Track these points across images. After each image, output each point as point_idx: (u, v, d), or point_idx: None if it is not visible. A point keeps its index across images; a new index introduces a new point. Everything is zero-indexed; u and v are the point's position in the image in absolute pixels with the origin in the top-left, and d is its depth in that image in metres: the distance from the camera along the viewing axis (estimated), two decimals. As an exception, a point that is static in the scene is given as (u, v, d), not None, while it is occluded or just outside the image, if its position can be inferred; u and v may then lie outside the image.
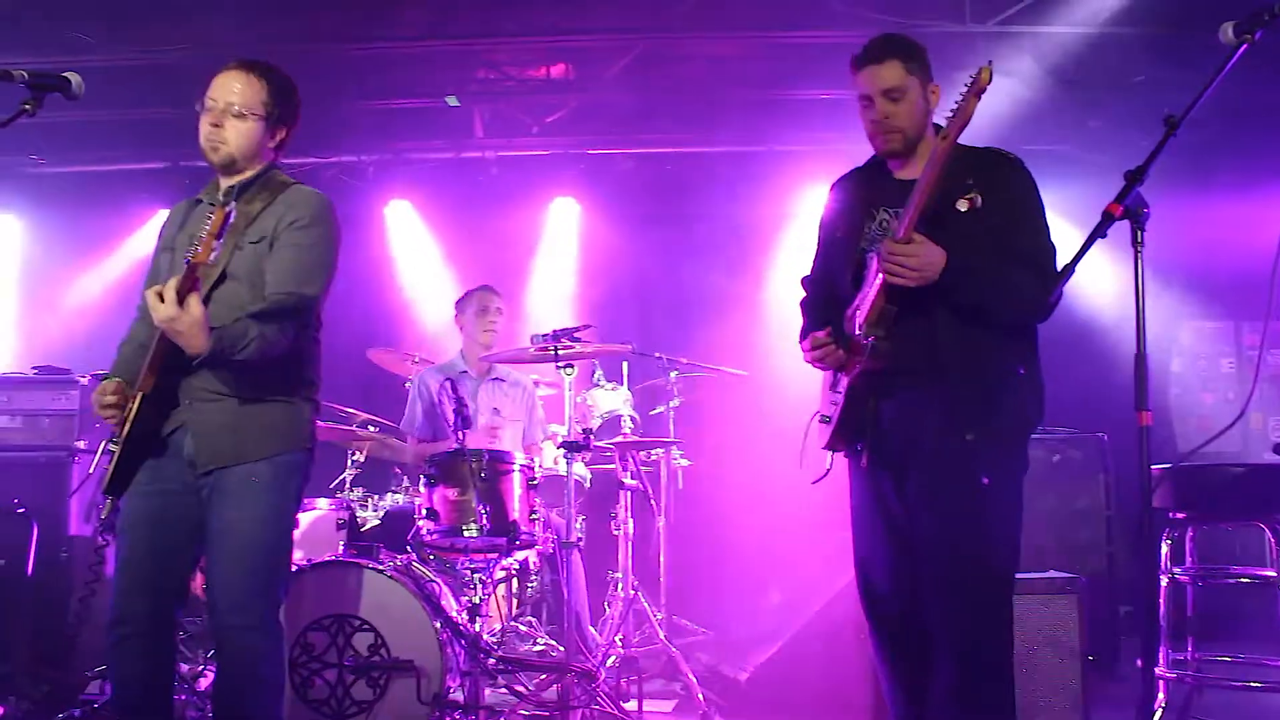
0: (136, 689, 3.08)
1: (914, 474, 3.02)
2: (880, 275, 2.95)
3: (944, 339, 2.98)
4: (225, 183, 3.24)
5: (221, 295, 3.07)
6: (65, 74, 2.88)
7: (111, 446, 3.16)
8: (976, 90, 2.78)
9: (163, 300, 2.79)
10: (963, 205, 2.93)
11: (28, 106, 2.83)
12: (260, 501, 3.09)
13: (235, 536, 3.06)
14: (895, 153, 3.15)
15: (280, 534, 3.17)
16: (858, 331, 3.04)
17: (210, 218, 2.79)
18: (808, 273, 3.51)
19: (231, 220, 2.83)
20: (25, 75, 2.82)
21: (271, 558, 3.12)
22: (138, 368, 3.11)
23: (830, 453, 3.27)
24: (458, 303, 5.89)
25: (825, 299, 3.33)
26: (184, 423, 3.10)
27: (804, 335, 3.30)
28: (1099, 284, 6.38)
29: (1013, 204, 3.04)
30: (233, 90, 3.17)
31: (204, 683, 4.50)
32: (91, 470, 3.35)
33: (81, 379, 5.48)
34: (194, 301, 2.81)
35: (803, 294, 3.51)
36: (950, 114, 2.85)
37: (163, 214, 3.57)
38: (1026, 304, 2.96)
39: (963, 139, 2.90)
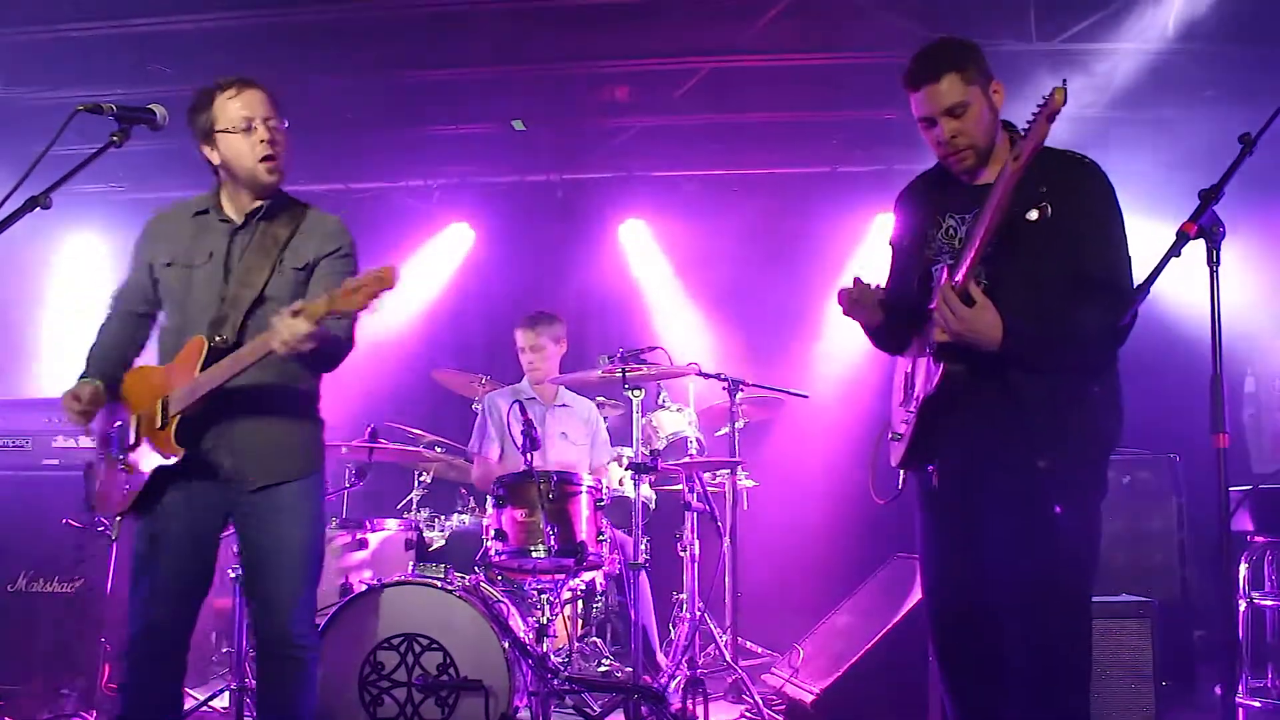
0: (159, 700, 3.22)
1: (985, 499, 2.92)
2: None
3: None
4: (250, 204, 3.27)
5: (260, 316, 3.16)
6: (150, 106, 2.97)
7: (111, 458, 3.26)
8: (1049, 114, 2.62)
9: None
10: (1033, 215, 2.75)
11: (116, 138, 2.92)
12: (311, 517, 3.27)
13: (294, 551, 3.21)
14: (970, 169, 2.99)
15: (320, 547, 3.35)
16: (928, 351, 2.93)
17: None
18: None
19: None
20: (114, 108, 2.90)
21: (318, 570, 3.30)
22: (116, 370, 3.30)
23: (902, 471, 3.16)
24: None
25: (899, 324, 3.15)
26: (223, 442, 3.19)
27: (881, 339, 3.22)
28: (1170, 302, 6.29)
29: (1084, 213, 2.84)
30: (265, 105, 3.24)
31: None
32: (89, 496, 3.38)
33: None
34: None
35: None
36: (1021, 133, 2.70)
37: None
38: (1095, 346, 2.80)
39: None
